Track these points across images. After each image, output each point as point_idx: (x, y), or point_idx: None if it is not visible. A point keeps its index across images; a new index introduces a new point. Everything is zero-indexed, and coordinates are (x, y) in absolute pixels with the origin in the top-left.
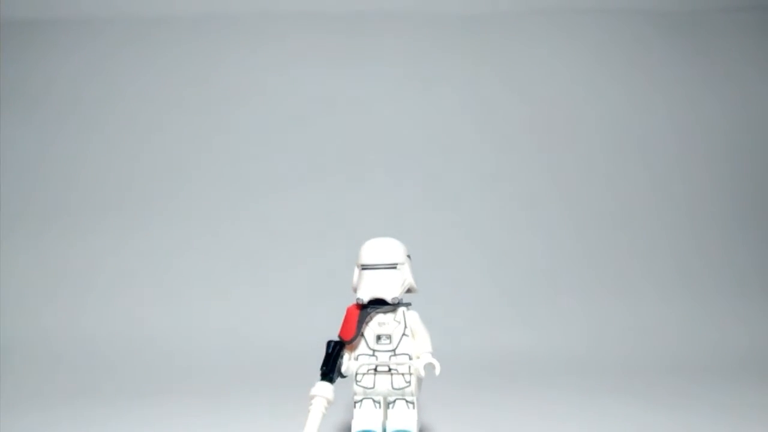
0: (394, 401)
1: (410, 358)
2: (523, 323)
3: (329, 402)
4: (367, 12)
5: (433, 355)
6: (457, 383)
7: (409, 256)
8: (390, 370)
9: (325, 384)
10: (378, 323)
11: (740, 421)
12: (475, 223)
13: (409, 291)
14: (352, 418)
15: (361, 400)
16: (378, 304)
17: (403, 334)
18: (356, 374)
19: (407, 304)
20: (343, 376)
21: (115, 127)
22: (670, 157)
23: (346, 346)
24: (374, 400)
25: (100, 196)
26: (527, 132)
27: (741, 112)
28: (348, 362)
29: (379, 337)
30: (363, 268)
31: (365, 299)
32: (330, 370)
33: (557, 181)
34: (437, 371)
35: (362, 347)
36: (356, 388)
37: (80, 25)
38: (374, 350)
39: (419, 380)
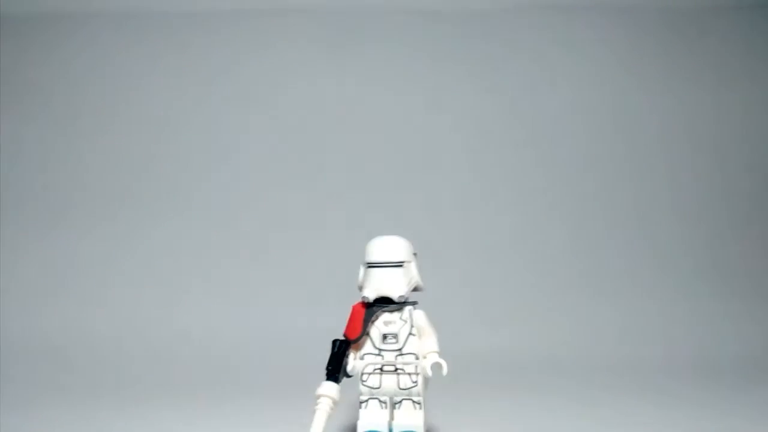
0: (401, 401)
1: (417, 358)
2: (529, 324)
3: (335, 402)
4: (367, 9)
5: (440, 354)
6: (464, 383)
7: (415, 254)
8: (396, 369)
9: (331, 384)
10: (384, 322)
11: (741, 421)
12: (476, 223)
13: (415, 289)
14: (357, 418)
15: (366, 400)
16: (384, 302)
17: (410, 334)
18: (362, 374)
19: (413, 303)
20: (348, 376)
21: (118, 126)
22: (669, 157)
23: (352, 345)
24: (380, 400)
25: (101, 195)
26: (526, 131)
27: (739, 111)
28: (354, 362)
29: (385, 337)
30: (369, 266)
31: (371, 298)
32: (335, 369)
33: (557, 181)
34: (444, 371)
35: (368, 346)
36: (362, 388)
37: (84, 20)
38: (380, 349)
39: (426, 380)
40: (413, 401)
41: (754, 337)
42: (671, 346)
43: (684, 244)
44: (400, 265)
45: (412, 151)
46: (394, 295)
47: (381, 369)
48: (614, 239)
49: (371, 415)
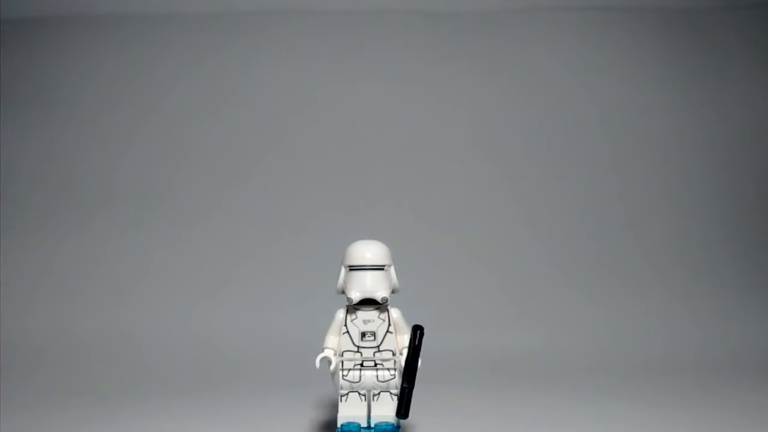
0: (379, 393)
1: (393, 354)
2: (524, 323)
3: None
4: (365, 11)
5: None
6: (456, 383)
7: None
8: (376, 365)
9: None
10: (363, 321)
11: (738, 418)
12: (465, 223)
13: (393, 291)
14: (337, 411)
15: (346, 394)
16: (367, 303)
17: (387, 332)
18: (342, 369)
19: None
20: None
21: (115, 127)
22: (673, 156)
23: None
24: (360, 393)
25: (101, 196)
26: (528, 131)
27: (742, 110)
28: (335, 358)
29: (363, 335)
30: (351, 269)
31: (356, 299)
32: None
33: (560, 180)
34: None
35: (348, 344)
36: (342, 383)
37: (80, 22)
38: (359, 347)
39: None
40: (391, 393)
41: (750, 336)
42: (664, 346)
43: (678, 243)
44: (382, 269)
45: (408, 151)
46: (379, 296)
47: (361, 365)
48: (606, 239)
49: (350, 408)
